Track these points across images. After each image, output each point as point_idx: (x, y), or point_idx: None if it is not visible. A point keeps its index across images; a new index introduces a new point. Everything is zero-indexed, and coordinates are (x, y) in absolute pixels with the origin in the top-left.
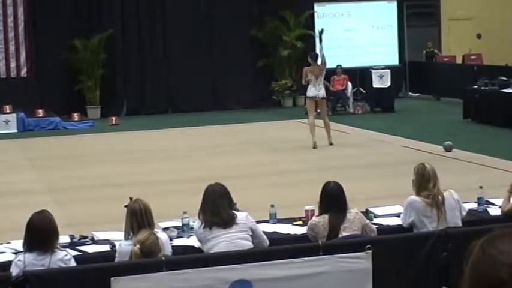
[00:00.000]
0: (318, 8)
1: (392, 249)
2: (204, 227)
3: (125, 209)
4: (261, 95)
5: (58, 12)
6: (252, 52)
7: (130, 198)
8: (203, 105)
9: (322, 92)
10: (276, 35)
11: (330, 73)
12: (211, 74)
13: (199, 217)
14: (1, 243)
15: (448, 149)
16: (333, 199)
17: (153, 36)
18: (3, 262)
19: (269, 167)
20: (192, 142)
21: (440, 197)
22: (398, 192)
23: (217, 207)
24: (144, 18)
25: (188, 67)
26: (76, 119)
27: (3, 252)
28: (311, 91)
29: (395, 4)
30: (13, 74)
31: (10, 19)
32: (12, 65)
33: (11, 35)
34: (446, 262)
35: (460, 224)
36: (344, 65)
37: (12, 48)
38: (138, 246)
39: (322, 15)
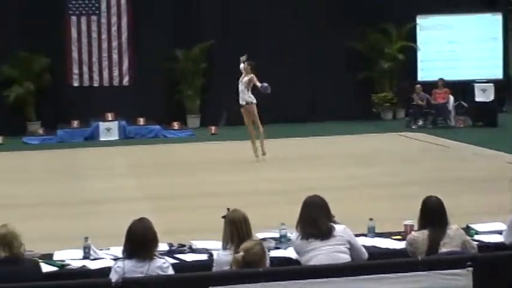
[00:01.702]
0: (420, 20)
1: (493, 267)
2: (301, 239)
3: (223, 219)
4: (360, 107)
5: (160, 22)
6: (352, 64)
7: (228, 209)
8: (301, 116)
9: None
10: (377, 47)
11: (432, 86)
12: (310, 86)
13: (297, 228)
14: (101, 249)
15: None
16: (433, 214)
17: (252, 47)
18: (103, 268)
19: (368, 179)
20: (290, 153)
21: None
22: (501, 209)
23: (316, 219)
24: (244, 29)
25: (286, 78)
26: (176, 128)
27: (103, 258)
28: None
29: (500, 17)
30: (115, 82)
31: (114, 28)
32: (115, 73)
33: (114, 44)
34: None
35: None
36: (446, 78)
37: (115, 57)
38: (242, 253)
39: (425, 27)
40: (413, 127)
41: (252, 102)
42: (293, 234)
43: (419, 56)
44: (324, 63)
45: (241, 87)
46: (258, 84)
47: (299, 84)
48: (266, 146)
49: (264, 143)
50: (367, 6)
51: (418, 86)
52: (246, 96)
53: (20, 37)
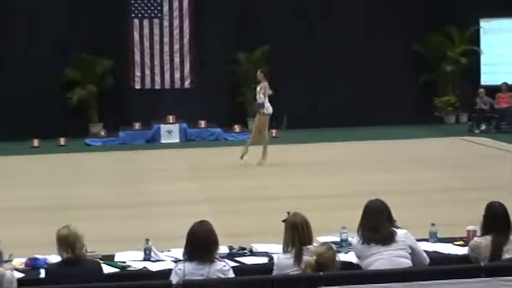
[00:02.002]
0: (484, 24)
1: None
2: (362, 243)
3: (283, 222)
4: (422, 111)
5: (222, 25)
6: (414, 67)
7: (288, 213)
8: (361, 120)
9: None
10: (439, 50)
11: (495, 90)
12: (370, 88)
13: (358, 233)
14: (162, 251)
15: None
16: (497, 220)
17: (310, 50)
18: (163, 270)
19: (430, 184)
20: (349, 157)
21: None
22: None
23: (378, 224)
24: (302, 32)
25: (346, 81)
26: (237, 131)
27: (164, 260)
28: (270, 107)
29: None
30: (177, 85)
31: (176, 31)
32: (177, 76)
33: (176, 46)
34: None
35: None
36: (510, 82)
37: (177, 59)
38: (314, 257)
39: (488, 30)
40: (476, 131)
41: (265, 113)
42: (354, 239)
43: (483, 59)
44: (385, 65)
45: (258, 95)
46: (269, 92)
47: (359, 87)
48: (329, 148)
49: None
50: (430, 9)
51: (481, 90)
52: (267, 105)
53: (83, 40)
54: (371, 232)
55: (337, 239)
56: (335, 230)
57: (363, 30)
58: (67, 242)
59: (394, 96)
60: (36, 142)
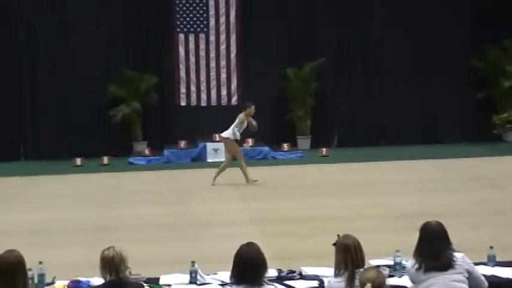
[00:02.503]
0: None
1: None
2: (418, 269)
3: (333, 246)
4: (480, 128)
5: (269, 40)
6: (471, 83)
7: (338, 235)
8: (416, 138)
9: None
10: (497, 66)
11: None
12: (426, 105)
13: (414, 256)
14: (208, 274)
15: None
16: None
17: (364, 66)
18: None
19: (488, 205)
20: (405, 175)
21: None
22: None
23: (437, 250)
24: (356, 47)
25: (401, 97)
26: (286, 149)
27: (210, 284)
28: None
29: None
30: (224, 102)
31: (223, 46)
32: (223, 92)
33: (222, 62)
34: None
35: None
36: None
37: (223, 75)
38: (369, 284)
39: None
40: None
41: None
42: (408, 262)
43: None
44: (440, 81)
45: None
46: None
47: (414, 104)
48: (380, 167)
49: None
50: (487, 23)
51: None
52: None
53: (127, 55)
54: (431, 260)
55: (391, 262)
56: (388, 253)
57: (418, 45)
58: (111, 263)
59: (450, 114)
60: (78, 161)
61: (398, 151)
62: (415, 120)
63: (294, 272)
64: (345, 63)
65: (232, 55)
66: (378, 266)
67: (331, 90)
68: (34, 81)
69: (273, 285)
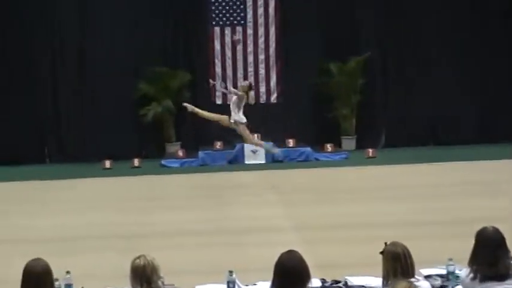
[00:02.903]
0: None
1: None
2: (473, 278)
3: (381, 254)
4: None
5: (312, 33)
6: None
7: (385, 243)
8: (471, 137)
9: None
10: None
11: None
12: (480, 103)
13: (470, 266)
14: (247, 285)
15: None
16: None
17: (414, 61)
18: None
19: None
20: (456, 179)
21: None
22: None
23: (496, 258)
24: (406, 41)
25: (455, 95)
26: (329, 150)
27: None
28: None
29: None
30: (262, 99)
31: (261, 40)
32: (262, 89)
33: (261, 57)
34: None
35: None
36: None
37: (262, 71)
38: None
39: None
40: None
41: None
42: (462, 271)
43: None
44: (495, 78)
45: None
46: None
47: (467, 101)
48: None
49: None
50: None
51: None
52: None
53: (157, 50)
54: (488, 269)
55: (443, 271)
56: (440, 262)
57: (473, 37)
58: (143, 273)
59: (506, 113)
60: (108, 163)
61: (450, 151)
62: (470, 118)
63: (339, 282)
64: (394, 56)
65: (272, 49)
66: (430, 276)
67: (378, 87)
68: (58, 79)
69: None
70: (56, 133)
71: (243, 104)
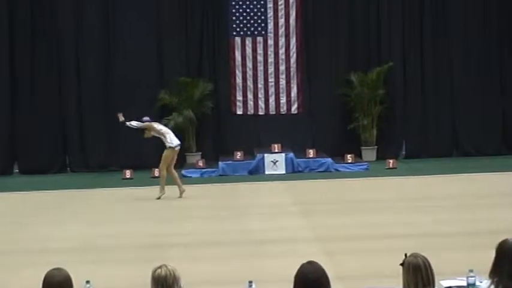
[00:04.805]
0: None
1: None
2: None
3: (401, 266)
4: None
5: (332, 43)
6: None
7: (405, 255)
8: (494, 148)
9: None
10: None
11: None
12: (505, 113)
13: (490, 277)
14: None
15: None
16: None
17: (437, 71)
18: None
19: None
20: (478, 190)
21: None
22: None
23: None
24: (428, 51)
25: (476, 106)
26: (350, 161)
27: None
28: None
29: None
30: (283, 110)
31: (282, 51)
32: (282, 100)
33: (282, 68)
34: None
35: None
36: None
37: (282, 82)
38: None
39: None
40: None
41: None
42: (483, 283)
43: None
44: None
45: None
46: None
47: (491, 111)
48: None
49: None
50: None
51: None
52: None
53: (179, 61)
54: (508, 279)
55: (464, 283)
56: (460, 273)
57: (493, 47)
58: (164, 284)
59: None
60: (128, 173)
61: (473, 162)
62: (492, 129)
63: None
64: (415, 67)
65: (292, 60)
66: (450, 287)
67: (399, 97)
68: (80, 89)
69: None
70: (78, 143)
71: (156, 134)
